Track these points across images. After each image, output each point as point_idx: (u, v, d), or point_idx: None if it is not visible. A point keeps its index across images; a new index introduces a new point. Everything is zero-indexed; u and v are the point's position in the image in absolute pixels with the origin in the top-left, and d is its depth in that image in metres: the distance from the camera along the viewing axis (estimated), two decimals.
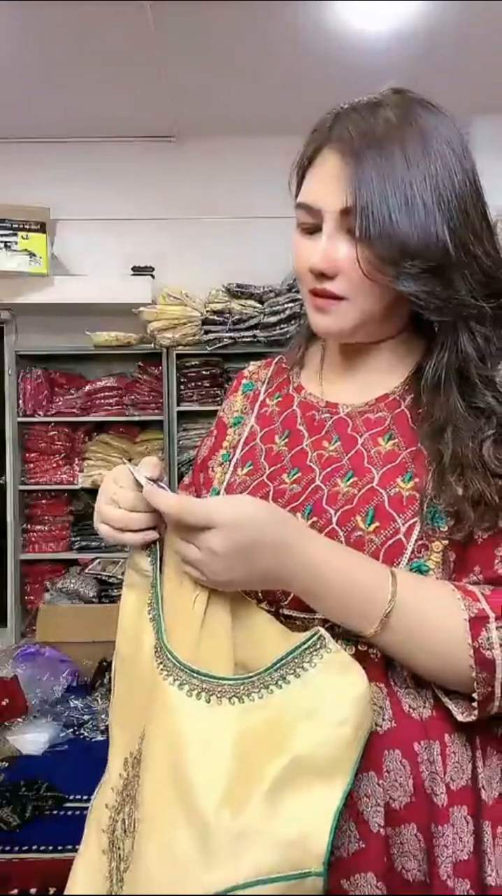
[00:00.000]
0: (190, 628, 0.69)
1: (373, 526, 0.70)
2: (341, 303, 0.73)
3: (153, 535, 0.73)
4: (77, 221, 3.94)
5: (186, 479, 0.95)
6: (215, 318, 3.73)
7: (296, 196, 0.77)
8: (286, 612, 0.73)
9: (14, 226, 3.68)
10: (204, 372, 3.83)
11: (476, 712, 0.66)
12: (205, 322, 3.75)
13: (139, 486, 0.71)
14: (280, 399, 0.86)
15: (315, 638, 0.65)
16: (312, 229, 0.74)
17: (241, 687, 0.65)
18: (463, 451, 0.70)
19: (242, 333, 3.67)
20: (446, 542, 0.69)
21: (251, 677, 0.65)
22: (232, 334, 3.69)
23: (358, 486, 0.72)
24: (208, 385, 3.81)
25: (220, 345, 3.72)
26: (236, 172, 3.90)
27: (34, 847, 2.09)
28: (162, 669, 0.67)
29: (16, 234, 3.67)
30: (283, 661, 0.65)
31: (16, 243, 3.67)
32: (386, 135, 0.69)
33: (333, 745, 0.61)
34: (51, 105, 3.63)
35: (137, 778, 0.69)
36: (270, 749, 0.62)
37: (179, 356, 3.82)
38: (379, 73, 3.29)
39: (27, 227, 3.70)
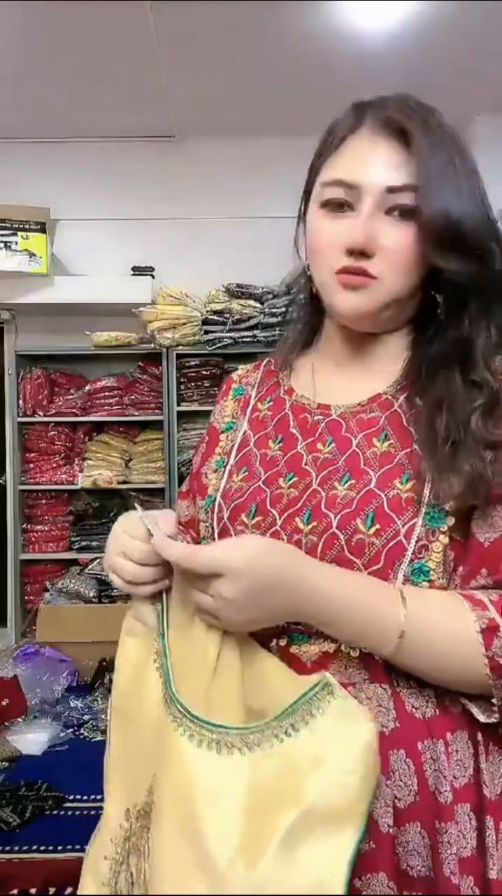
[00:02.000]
0: (201, 676, 0.69)
1: (373, 529, 0.69)
2: (373, 282, 0.73)
3: (164, 584, 0.73)
4: (77, 221, 3.94)
5: (184, 487, 0.94)
6: (215, 318, 3.73)
7: (312, 179, 0.79)
8: (293, 630, 0.73)
9: (14, 226, 3.68)
10: (204, 372, 3.83)
11: (496, 715, 0.67)
12: (205, 322, 3.75)
13: (150, 535, 0.71)
14: (271, 403, 0.86)
15: (322, 684, 0.65)
16: (342, 206, 0.74)
17: (251, 736, 0.64)
18: (456, 430, 0.70)
19: (242, 333, 3.68)
20: (446, 541, 0.70)
21: (260, 726, 0.65)
22: (232, 334, 3.69)
23: (355, 488, 0.72)
24: (208, 385, 3.81)
25: (220, 345, 3.72)
26: (236, 172, 3.91)
27: (34, 847, 2.09)
28: (172, 721, 0.67)
29: (16, 234, 3.67)
30: (292, 709, 0.64)
31: (16, 243, 3.67)
32: (432, 124, 0.73)
33: (342, 795, 0.61)
34: (51, 105, 3.63)
35: (145, 830, 0.69)
36: (282, 799, 0.61)
37: (179, 356, 3.82)
38: (379, 73, 3.31)
39: (27, 227, 3.70)
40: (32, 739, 2.74)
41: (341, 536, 0.70)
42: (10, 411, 4.00)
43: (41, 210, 3.73)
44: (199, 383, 3.83)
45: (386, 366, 0.80)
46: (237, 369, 0.97)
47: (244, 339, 3.68)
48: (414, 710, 0.70)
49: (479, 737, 0.71)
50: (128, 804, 0.73)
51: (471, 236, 0.71)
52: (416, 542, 0.69)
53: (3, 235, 3.66)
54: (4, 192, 3.74)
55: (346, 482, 0.73)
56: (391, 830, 0.68)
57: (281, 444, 0.80)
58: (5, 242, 3.66)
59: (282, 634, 0.73)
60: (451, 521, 0.70)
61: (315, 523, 0.72)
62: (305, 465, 0.77)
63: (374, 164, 0.72)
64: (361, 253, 0.72)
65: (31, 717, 2.91)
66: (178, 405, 3.83)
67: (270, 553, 0.67)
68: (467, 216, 0.71)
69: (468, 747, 0.71)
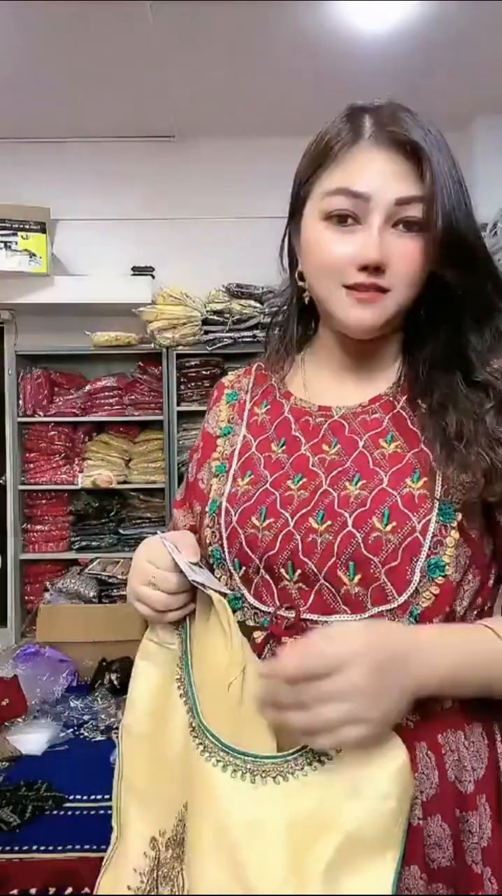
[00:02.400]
0: (226, 705, 0.68)
1: (390, 526, 0.70)
2: (384, 295, 0.74)
3: (190, 608, 0.73)
4: (77, 221, 3.94)
5: (179, 496, 0.93)
6: (215, 318, 3.73)
7: (305, 189, 0.77)
8: (306, 615, 0.73)
9: (14, 226, 3.67)
10: (204, 372, 3.83)
11: None
12: (205, 322, 3.75)
13: (177, 568, 0.71)
14: (268, 407, 0.86)
15: None
16: (348, 219, 0.73)
17: (285, 765, 0.64)
18: (467, 426, 0.71)
19: (242, 333, 3.68)
20: (457, 536, 0.71)
21: (293, 755, 0.64)
22: (232, 334, 3.69)
23: (368, 488, 0.73)
24: (208, 385, 3.81)
25: (220, 345, 3.72)
26: (236, 172, 3.90)
27: (34, 847, 2.08)
28: (203, 751, 0.66)
29: (16, 234, 3.67)
30: None
31: (16, 243, 3.67)
32: (431, 133, 0.74)
33: (380, 821, 0.61)
34: (51, 105, 3.63)
35: (178, 860, 0.69)
36: (322, 828, 0.61)
37: (179, 356, 3.82)
38: (379, 73, 3.32)
39: (27, 227, 3.70)
40: (32, 739, 2.74)
41: (358, 535, 0.71)
42: (10, 411, 3.99)
43: (41, 210, 3.73)
44: (199, 383, 3.83)
45: (383, 368, 0.81)
46: (228, 374, 0.97)
47: (244, 339, 3.68)
48: (434, 702, 0.71)
49: (495, 727, 0.74)
50: (153, 833, 0.72)
51: (472, 245, 0.73)
52: (432, 537, 0.70)
53: (3, 235, 3.66)
54: (4, 192, 3.74)
55: (358, 482, 0.74)
56: (420, 823, 0.69)
57: (284, 447, 0.81)
58: (5, 242, 3.66)
59: (299, 633, 0.73)
60: (459, 516, 0.71)
61: (329, 522, 0.72)
62: (313, 466, 0.77)
63: (383, 175, 0.72)
64: (376, 269, 0.72)
65: (31, 717, 2.90)
66: (178, 405, 3.83)
67: (371, 628, 0.66)
68: (468, 226, 0.72)
69: (483, 738, 0.73)
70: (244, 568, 0.76)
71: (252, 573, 0.75)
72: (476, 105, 3.62)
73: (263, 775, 0.64)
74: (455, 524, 0.71)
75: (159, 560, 0.73)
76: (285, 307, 0.89)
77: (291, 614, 0.73)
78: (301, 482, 0.76)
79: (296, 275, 0.83)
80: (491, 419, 0.71)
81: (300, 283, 0.82)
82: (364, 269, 0.72)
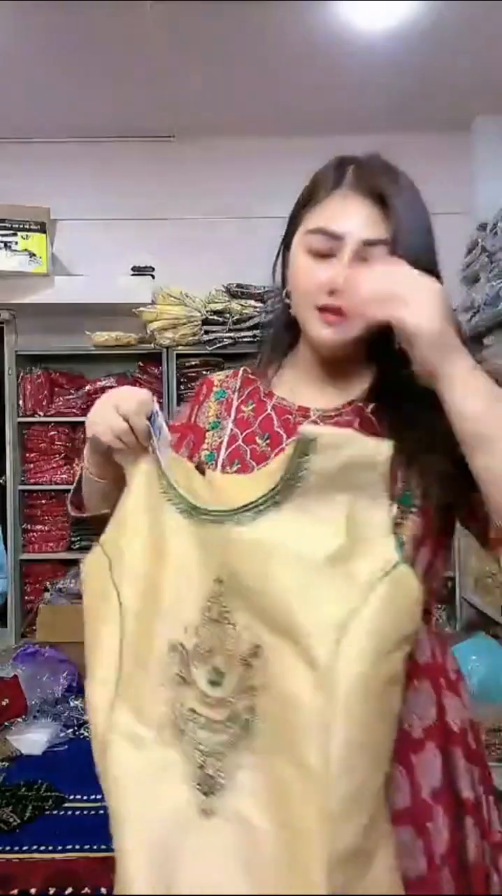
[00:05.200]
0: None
1: None
2: (348, 319, 0.85)
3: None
4: (77, 221, 3.94)
5: (175, 422, 1.03)
6: (215, 318, 3.73)
7: (295, 223, 0.91)
8: None
9: (14, 226, 3.68)
10: (204, 372, 3.82)
11: None
12: (205, 322, 3.75)
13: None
14: (254, 405, 0.97)
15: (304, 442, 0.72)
16: (326, 254, 0.86)
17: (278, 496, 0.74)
18: (424, 441, 0.82)
19: (242, 333, 3.67)
20: (417, 519, 0.84)
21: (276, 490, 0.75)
22: (232, 334, 3.69)
23: None
24: None
25: (220, 345, 3.72)
26: (236, 172, 3.90)
27: (34, 847, 2.09)
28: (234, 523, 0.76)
29: (16, 234, 3.67)
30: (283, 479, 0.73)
31: (16, 243, 3.67)
32: (403, 184, 0.87)
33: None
34: (51, 105, 3.63)
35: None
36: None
37: (179, 356, 3.82)
38: (379, 73, 3.31)
39: (27, 227, 3.70)
40: (32, 739, 2.74)
41: None
42: (10, 411, 3.99)
43: (41, 210, 3.73)
44: None
45: (355, 378, 0.93)
46: (216, 374, 1.07)
47: (244, 339, 3.68)
48: None
49: (441, 681, 0.87)
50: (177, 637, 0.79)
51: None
52: (393, 520, 0.77)
53: (3, 235, 3.66)
54: (4, 192, 3.74)
55: None
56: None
57: (268, 441, 0.92)
58: (5, 242, 3.66)
59: None
60: (418, 501, 0.84)
61: None
62: None
63: (354, 218, 0.85)
64: (341, 294, 0.84)
65: (31, 717, 2.91)
66: (178, 405, 3.82)
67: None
68: (429, 269, 0.80)
69: (431, 690, 0.86)
70: None
71: None
72: (476, 105, 3.62)
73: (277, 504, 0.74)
74: (414, 509, 0.84)
75: (134, 416, 0.84)
76: (275, 319, 1.01)
77: None
78: None
79: (285, 293, 0.95)
80: (446, 434, 0.78)
81: (286, 301, 0.94)
82: (332, 293, 0.85)
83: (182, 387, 3.84)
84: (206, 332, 3.75)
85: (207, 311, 3.75)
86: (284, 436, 0.91)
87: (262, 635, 0.72)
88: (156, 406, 0.87)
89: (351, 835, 0.65)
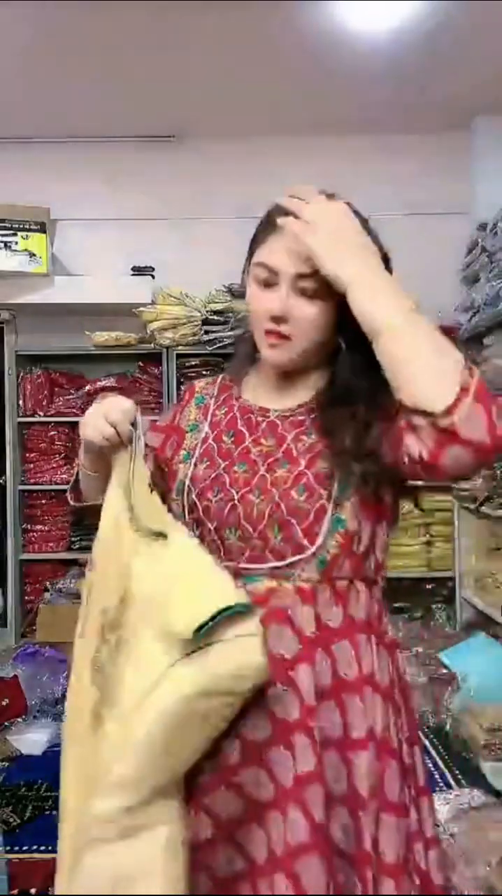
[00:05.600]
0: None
1: (303, 496, 0.98)
2: (287, 341, 1.01)
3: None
4: (77, 221, 3.94)
5: (161, 422, 1.18)
6: (215, 318, 3.73)
7: (250, 257, 1.05)
8: (243, 564, 0.99)
9: (14, 226, 3.68)
10: (204, 372, 3.82)
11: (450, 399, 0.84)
12: (205, 322, 3.75)
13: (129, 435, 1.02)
14: (226, 409, 1.12)
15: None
16: (270, 284, 1.00)
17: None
18: (354, 442, 0.97)
19: (243, 334, 3.67)
20: (355, 499, 0.98)
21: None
22: (232, 333, 3.69)
23: (291, 471, 1.00)
24: None
25: (220, 345, 3.72)
26: (236, 172, 3.90)
27: (34, 847, 2.09)
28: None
29: (16, 234, 3.68)
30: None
31: (16, 243, 3.67)
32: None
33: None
34: (51, 105, 3.63)
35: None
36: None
37: (179, 356, 3.82)
38: (379, 73, 3.30)
39: (27, 227, 3.70)
40: (32, 739, 2.74)
41: (282, 504, 0.98)
42: (10, 411, 4.00)
43: (41, 210, 3.73)
44: None
45: (308, 385, 1.08)
46: (199, 380, 1.22)
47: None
48: (328, 621, 0.98)
49: (374, 640, 1.00)
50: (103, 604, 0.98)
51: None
52: (334, 503, 0.97)
53: (3, 235, 3.66)
54: (4, 192, 3.75)
55: (285, 467, 1.01)
56: (313, 704, 0.94)
57: (233, 438, 1.07)
58: (5, 242, 3.66)
59: (237, 577, 0.96)
60: (351, 487, 0.98)
61: (263, 497, 1.00)
62: (253, 456, 1.04)
63: (289, 254, 0.98)
64: (278, 319, 0.99)
65: (31, 717, 2.91)
66: None
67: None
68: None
69: (369, 644, 0.99)
70: (200, 529, 1.03)
71: (205, 533, 1.02)
72: (476, 105, 3.62)
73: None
74: (352, 490, 0.98)
75: (122, 422, 1.00)
76: (246, 333, 1.15)
77: (232, 563, 0.99)
78: (245, 468, 1.03)
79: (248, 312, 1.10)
80: (374, 436, 0.95)
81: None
82: (274, 319, 1.00)
83: (182, 387, 3.82)
84: (206, 332, 3.75)
85: (207, 311, 3.75)
86: (247, 434, 1.06)
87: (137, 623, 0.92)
88: (139, 415, 1.02)
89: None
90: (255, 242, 1.04)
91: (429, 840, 1.01)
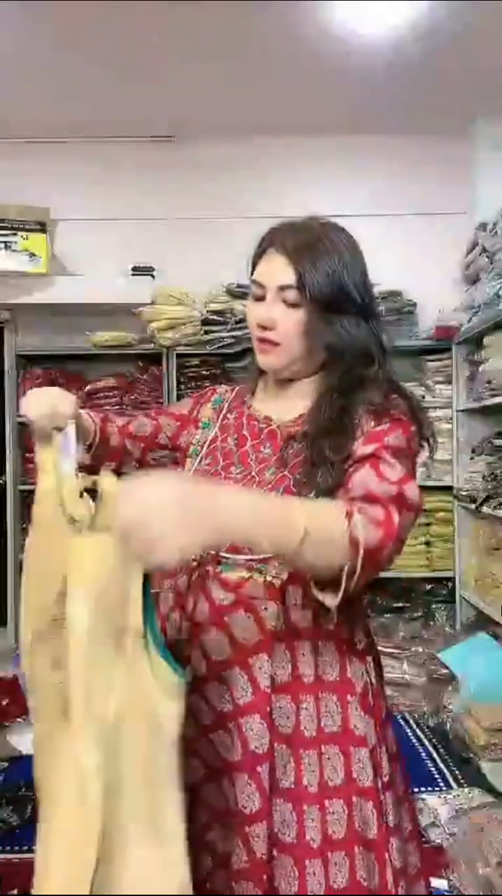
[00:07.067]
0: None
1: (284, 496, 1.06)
2: (276, 347, 1.11)
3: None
4: (77, 221, 3.94)
5: (174, 411, 1.30)
6: (215, 318, 3.73)
7: (250, 274, 1.15)
8: (222, 553, 1.06)
9: (14, 226, 3.68)
10: (204, 372, 3.83)
11: (339, 595, 0.92)
12: (205, 322, 3.75)
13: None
14: (236, 414, 1.23)
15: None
16: (260, 298, 1.12)
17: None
18: (332, 451, 1.04)
19: (243, 333, 3.67)
20: (330, 498, 1.03)
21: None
22: (233, 334, 3.69)
23: (276, 475, 1.10)
24: (208, 385, 3.78)
25: (221, 345, 3.73)
26: (236, 172, 3.90)
27: (34, 847, 2.08)
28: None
29: (16, 234, 3.68)
30: None
31: (16, 243, 3.68)
32: (313, 240, 1.09)
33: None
34: (51, 105, 3.63)
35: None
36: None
37: (179, 356, 3.82)
38: (379, 73, 3.30)
39: (27, 227, 3.70)
40: (33, 740, 2.74)
41: None
42: (10, 411, 4.00)
43: (41, 210, 3.73)
44: (199, 383, 3.82)
45: (305, 396, 1.16)
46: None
47: (245, 339, 3.68)
48: (297, 620, 1.04)
49: (344, 647, 1.07)
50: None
51: (340, 320, 1.09)
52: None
53: (3, 235, 3.66)
54: (4, 192, 3.75)
55: (272, 472, 1.11)
56: (269, 690, 1.02)
57: (236, 441, 1.18)
58: (5, 242, 3.66)
59: (217, 564, 1.06)
60: (330, 483, 1.03)
61: None
62: (250, 460, 1.15)
63: (272, 269, 1.10)
64: (265, 328, 1.11)
65: (31, 717, 2.90)
66: None
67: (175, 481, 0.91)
68: (339, 308, 1.08)
69: (330, 645, 1.06)
70: None
71: None
72: (476, 105, 3.62)
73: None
74: (328, 489, 1.04)
75: (58, 418, 1.08)
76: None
77: (215, 550, 1.07)
78: (240, 469, 1.14)
79: None
80: (353, 445, 1.03)
81: None
82: (262, 328, 1.11)
83: (182, 387, 3.84)
84: (207, 332, 3.75)
85: (207, 311, 3.75)
86: (249, 438, 1.17)
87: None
88: (72, 428, 1.08)
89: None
90: (253, 265, 1.16)
91: (394, 829, 1.06)
